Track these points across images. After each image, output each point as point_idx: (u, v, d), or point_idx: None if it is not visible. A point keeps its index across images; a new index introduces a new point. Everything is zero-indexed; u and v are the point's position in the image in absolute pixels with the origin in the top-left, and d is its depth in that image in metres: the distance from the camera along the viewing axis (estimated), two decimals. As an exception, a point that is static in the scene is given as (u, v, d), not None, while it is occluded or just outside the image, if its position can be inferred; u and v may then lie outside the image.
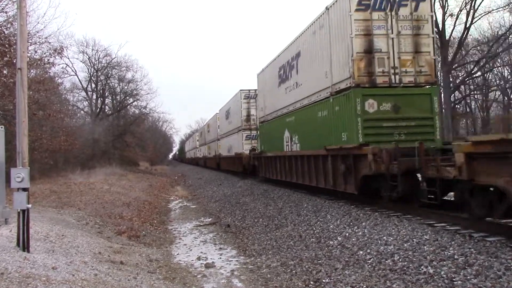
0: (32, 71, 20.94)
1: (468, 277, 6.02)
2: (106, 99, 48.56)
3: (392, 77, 11.68)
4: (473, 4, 31.29)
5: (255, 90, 27.26)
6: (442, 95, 30.35)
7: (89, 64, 44.45)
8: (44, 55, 21.68)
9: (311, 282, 7.58)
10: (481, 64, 34.94)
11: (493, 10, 35.15)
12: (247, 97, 29.32)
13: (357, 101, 11.41)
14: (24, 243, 7.26)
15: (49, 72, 25.66)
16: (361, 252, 8.38)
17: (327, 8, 13.22)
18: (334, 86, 12.85)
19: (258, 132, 25.26)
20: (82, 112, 45.19)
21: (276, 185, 20.85)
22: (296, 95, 16.69)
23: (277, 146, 19.67)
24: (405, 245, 7.91)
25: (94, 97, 46.60)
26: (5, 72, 17.48)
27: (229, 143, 33.85)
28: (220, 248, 11.50)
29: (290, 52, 17.62)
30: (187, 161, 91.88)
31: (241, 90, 29.60)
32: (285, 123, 18.43)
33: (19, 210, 7.31)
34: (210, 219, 16.69)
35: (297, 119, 16.84)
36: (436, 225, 8.71)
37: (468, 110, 43.88)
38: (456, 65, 34.48)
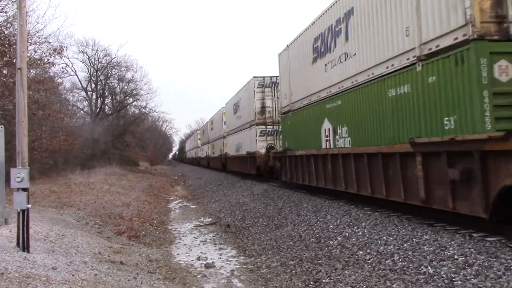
0: (32, 71, 20.96)
1: (468, 277, 6.02)
2: (106, 99, 48.66)
3: None
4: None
5: (272, 77, 24.35)
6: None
7: (89, 64, 44.52)
8: (44, 55, 21.74)
9: (311, 282, 7.58)
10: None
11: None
12: (261, 86, 24.80)
13: (482, 63, 7.28)
14: (24, 243, 7.26)
15: (49, 72, 25.72)
16: (361, 252, 8.38)
17: None
18: (425, 45, 8.71)
19: (280, 125, 20.99)
20: (82, 112, 45.27)
21: (276, 185, 20.84)
22: (345, 70, 12.49)
23: (310, 142, 15.52)
24: (405, 245, 7.91)
25: (94, 97, 46.66)
26: (5, 72, 17.50)
27: (238, 141, 30.01)
28: (220, 248, 11.49)
29: (333, 14, 13.23)
30: (188, 161, 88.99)
31: (254, 77, 25.23)
32: (324, 111, 14.18)
33: (19, 210, 7.31)
34: (210, 219, 16.68)
35: (345, 104, 12.63)
36: (436, 225, 8.70)
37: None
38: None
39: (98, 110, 45.83)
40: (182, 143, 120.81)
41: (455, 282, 6.01)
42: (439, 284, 6.12)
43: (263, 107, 24.88)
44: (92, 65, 44.62)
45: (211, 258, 10.26)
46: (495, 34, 7.39)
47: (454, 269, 6.36)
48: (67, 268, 6.69)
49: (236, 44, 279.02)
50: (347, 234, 9.75)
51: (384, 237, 8.66)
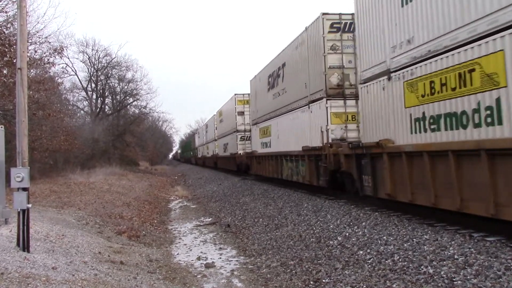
0: (32, 71, 20.94)
1: (468, 277, 6.01)
2: (106, 99, 48.64)
3: None
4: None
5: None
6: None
7: (89, 64, 44.52)
8: (44, 55, 21.71)
9: (311, 282, 7.57)
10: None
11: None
12: None
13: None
14: (24, 243, 7.25)
15: (49, 72, 25.67)
16: (361, 252, 8.37)
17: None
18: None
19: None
20: (82, 112, 45.25)
21: (276, 185, 20.84)
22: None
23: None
24: (405, 245, 7.91)
25: (94, 97, 46.65)
26: (5, 72, 17.48)
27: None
28: (220, 248, 11.49)
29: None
30: (200, 161, 60.39)
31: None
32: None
33: (19, 210, 7.30)
34: (210, 219, 16.68)
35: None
36: (436, 225, 8.71)
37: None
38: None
39: (98, 110, 45.82)
40: (187, 139, 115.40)
41: (455, 282, 6.00)
42: (439, 284, 6.12)
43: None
44: (92, 65, 44.66)
45: (211, 258, 10.26)
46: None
47: (454, 269, 6.35)
48: (67, 268, 6.69)
49: (236, 44, 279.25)
50: (347, 234, 9.75)
51: (384, 237, 8.65)
